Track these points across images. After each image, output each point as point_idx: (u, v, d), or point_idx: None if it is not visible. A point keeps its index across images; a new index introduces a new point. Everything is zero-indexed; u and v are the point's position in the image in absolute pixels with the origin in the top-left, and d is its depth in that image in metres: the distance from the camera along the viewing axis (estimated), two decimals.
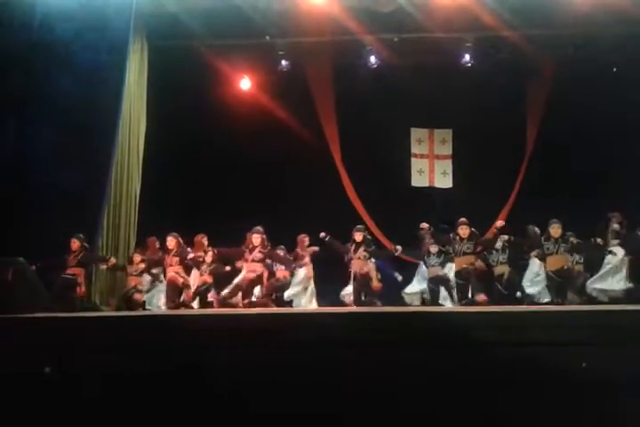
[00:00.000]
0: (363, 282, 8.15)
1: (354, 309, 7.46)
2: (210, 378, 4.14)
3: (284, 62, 9.65)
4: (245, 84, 10.30)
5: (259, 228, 8.01)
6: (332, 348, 4.11)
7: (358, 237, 8.17)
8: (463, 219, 8.07)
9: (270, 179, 9.92)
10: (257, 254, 7.90)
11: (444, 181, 10.80)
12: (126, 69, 8.21)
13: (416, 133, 10.92)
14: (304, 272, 8.70)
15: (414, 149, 10.93)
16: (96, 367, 4.26)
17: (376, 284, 8.17)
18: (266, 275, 8.09)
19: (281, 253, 8.54)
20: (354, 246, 8.18)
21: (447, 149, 10.90)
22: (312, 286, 8.75)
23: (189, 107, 9.53)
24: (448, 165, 10.88)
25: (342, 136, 10.37)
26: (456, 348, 4.17)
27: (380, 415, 4.02)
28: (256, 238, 7.91)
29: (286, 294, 8.48)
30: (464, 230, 7.96)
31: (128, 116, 8.45)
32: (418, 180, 10.89)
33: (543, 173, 9.89)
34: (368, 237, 8.44)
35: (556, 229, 7.76)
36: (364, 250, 8.15)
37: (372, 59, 9.60)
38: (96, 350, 4.34)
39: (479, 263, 8.10)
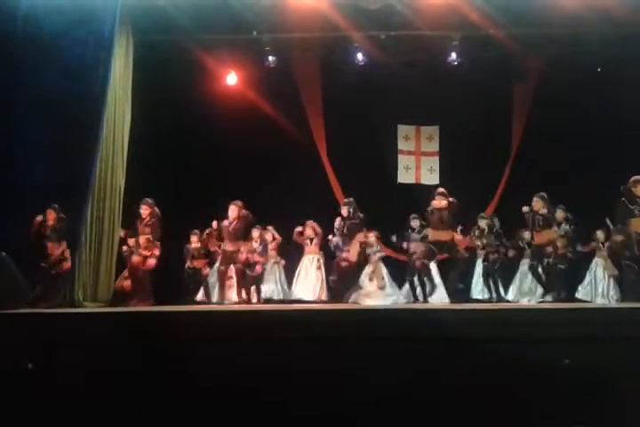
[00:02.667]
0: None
1: (338, 306, 7.47)
2: (199, 375, 4.12)
3: (270, 58, 9.60)
4: (232, 79, 10.24)
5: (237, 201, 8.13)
6: (318, 345, 4.12)
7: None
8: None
9: (256, 174, 9.90)
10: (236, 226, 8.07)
11: (431, 177, 10.85)
12: (112, 64, 8.13)
13: (403, 130, 10.97)
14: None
15: (401, 145, 10.98)
16: (80, 364, 4.23)
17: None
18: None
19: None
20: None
21: (434, 146, 10.96)
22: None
23: (175, 101, 9.48)
24: (435, 162, 10.94)
25: (329, 132, 10.38)
26: (443, 345, 4.19)
27: (369, 412, 4.03)
28: (232, 211, 8.05)
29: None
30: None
31: (113, 110, 8.37)
32: (404, 176, 10.94)
33: (529, 170, 9.97)
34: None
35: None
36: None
37: (360, 56, 9.58)
38: (81, 346, 4.31)
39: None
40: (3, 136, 7.82)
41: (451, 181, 10.39)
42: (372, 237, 8.85)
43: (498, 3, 8.35)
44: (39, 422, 4.20)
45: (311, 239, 9.25)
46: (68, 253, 7.70)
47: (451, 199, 7.97)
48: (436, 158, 10.96)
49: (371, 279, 8.75)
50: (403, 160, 10.96)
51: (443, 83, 9.75)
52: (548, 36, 9.08)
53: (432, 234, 8.04)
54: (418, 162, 11.00)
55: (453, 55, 9.43)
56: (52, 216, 7.71)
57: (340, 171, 10.35)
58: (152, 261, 8.16)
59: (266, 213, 9.07)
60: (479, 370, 4.18)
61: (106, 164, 8.32)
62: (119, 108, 8.54)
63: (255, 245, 8.78)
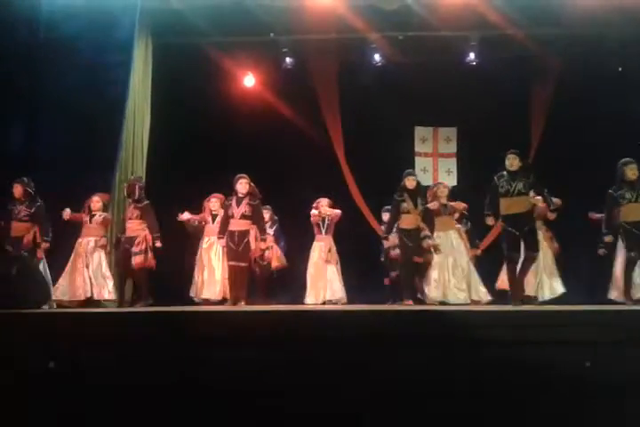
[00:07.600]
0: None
1: (364, 307, 7.42)
2: (212, 378, 4.11)
3: (288, 59, 9.66)
4: (249, 81, 10.30)
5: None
6: (336, 347, 4.10)
7: None
8: None
9: (273, 176, 9.90)
10: (245, 207, 7.46)
11: (449, 179, 10.77)
12: (131, 67, 8.23)
13: (420, 132, 10.92)
14: None
15: (418, 147, 10.93)
16: (102, 363, 4.25)
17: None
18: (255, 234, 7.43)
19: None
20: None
21: (451, 148, 10.90)
22: None
23: (193, 104, 9.53)
24: (452, 164, 10.88)
25: (346, 134, 10.36)
26: (463, 346, 4.16)
27: (384, 415, 4.01)
28: (243, 185, 7.36)
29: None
30: None
31: (132, 113, 8.46)
32: (422, 178, 10.81)
33: (547, 172, 9.86)
34: None
35: (633, 171, 6.67)
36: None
37: (377, 57, 9.60)
38: (102, 345, 4.32)
39: None
40: (24, 140, 7.92)
41: (469, 183, 10.36)
42: None
43: (516, 2, 8.32)
44: (56, 422, 4.21)
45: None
46: (40, 238, 6.88)
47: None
48: (454, 160, 10.90)
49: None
50: (420, 162, 10.90)
51: (460, 83, 9.70)
52: (568, 35, 9.03)
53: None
54: (435, 164, 10.94)
55: (472, 55, 9.42)
56: (18, 190, 6.87)
57: (357, 172, 10.33)
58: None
59: (283, 214, 9.10)
60: (496, 372, 4.14)
61: (126, 167, 8.40)
62: (139, 110, 8.62)
63: None
